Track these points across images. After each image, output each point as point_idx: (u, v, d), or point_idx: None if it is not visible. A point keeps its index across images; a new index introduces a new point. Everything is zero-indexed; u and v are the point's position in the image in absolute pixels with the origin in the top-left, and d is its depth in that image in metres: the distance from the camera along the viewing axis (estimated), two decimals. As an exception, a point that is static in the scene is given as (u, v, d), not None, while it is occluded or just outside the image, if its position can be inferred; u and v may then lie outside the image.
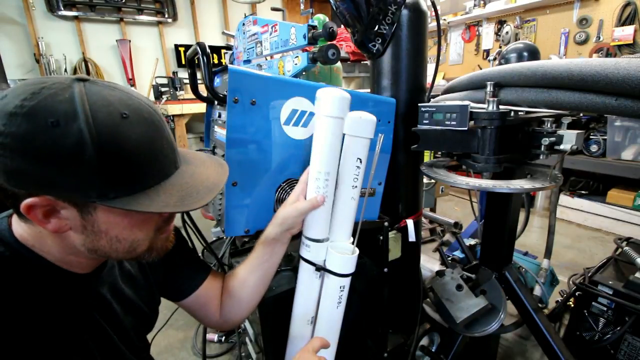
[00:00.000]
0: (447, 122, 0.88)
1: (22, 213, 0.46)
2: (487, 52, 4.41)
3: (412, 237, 1.11)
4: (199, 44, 0.77)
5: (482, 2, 4.29)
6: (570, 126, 0.89)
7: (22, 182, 0.44)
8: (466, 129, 0.85)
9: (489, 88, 0.85)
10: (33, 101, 0.42)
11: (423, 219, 1.62)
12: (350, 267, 0.77)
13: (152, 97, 4.06)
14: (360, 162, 0.77)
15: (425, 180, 1.60)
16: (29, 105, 0.42)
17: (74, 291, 0.58)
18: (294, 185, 0.82)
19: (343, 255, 0.76)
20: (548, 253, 1.61)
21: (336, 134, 0.71)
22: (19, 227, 0.54)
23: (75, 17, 4.22)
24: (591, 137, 2.93)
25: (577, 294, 1.34)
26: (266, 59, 1.26)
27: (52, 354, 0.52)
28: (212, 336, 1.79)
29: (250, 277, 0.82)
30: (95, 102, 0.45)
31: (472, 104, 0.86)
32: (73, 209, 0.48)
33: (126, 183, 0.47)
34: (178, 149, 0.58)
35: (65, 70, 4.23)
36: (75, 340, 0.57)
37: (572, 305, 1.38)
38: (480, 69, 1.09)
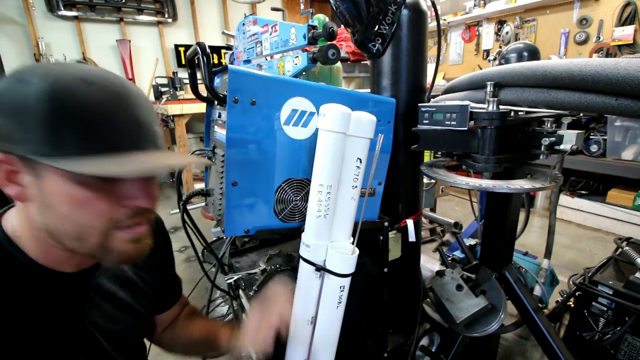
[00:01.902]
0: (447, 122, 0.88)
1: None
2: (487, 52, 4.41)
3: (412, 237, 1.11)
4: (199, 44, 0.77)
5: (482, 2, 4.29)
6: (571, 126, 0.89)
7: None
8: (466, 129, 0.85)
9: (489, 88, 0.85)
10: (24, 68, 0.47)
11: (423, 219, 1.62)
12: (350, 267, 0.77)
13: (152, 97, 4.06)
14: (360, 162, 0.77)
15: (425, 180, 1.60)
16: (14, 70, 0.47)
17: (58, 291, 0.56)
18: (294, 185, 0.82)
19: (343, 255, 0.76)
20: (548, 253, 1.61)
21: (338, 148, 0.73)
22: (12, 216, 0.54)
23: (75, 17, 4.22)
24: (591, 137, 2.93)
25: (577, 294, 1.34)
26: (266, 59, 1.26)
27: (32, 354, 0.51)
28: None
29: (191, 348, 0.86)
30: (66, 69, 0.47)
31: (472, 104, 0.85)
32: (30, 176, 0.47)
33: (73, 145, 0.45)
34: (162, 145, 0.55)
35: (65, 70, 4.22)
36: (58, 343, 0.55)
37: (572, 305, 1.38)
38: (480, 69, 1.09)
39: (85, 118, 0.45)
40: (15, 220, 0.54)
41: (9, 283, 0.51)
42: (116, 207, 0.51)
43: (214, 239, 2.61)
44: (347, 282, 0.79)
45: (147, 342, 0.86)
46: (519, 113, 0.91)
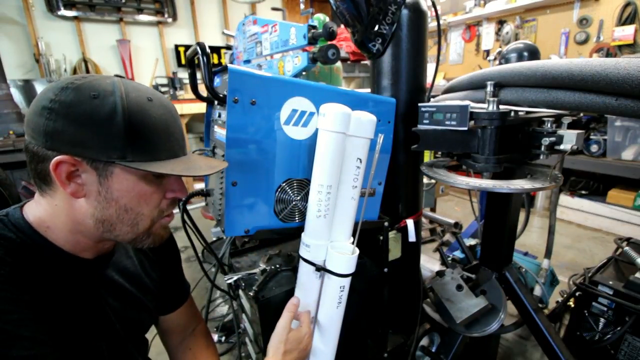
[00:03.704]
0: (447, 122, 0.88)
1: (48, 175, 0.54)
2: (487, 52, 4.41)
3: (412, 237, 1.11)
4: (198, 44, 0.76)
5: (482, 2, 4.29)
6: (571, 126, 0.89)
7: (58, 141, 0.52)
8: (466, 129, 0.85)
9: (489, 88, 0.85)
10: (81, 81, 0.54)
11: (423, 219, 1.62)
12: (350, 267, 0.77)
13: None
14: (360, 162, 0.77)
15: (425, 180, 1.60)
16: (78, 83, 0.53)
17: (80, 275, 0.62)
18: (294, 185, 0.82)
19: (343, 255, 0.76)
20: (548, 253, 1.61)
21: (338, 148, 0.73)
22: (36, 210, 0.59)
23: (75, 17, 4.21)
24: (591, 137, 2.93)
25: (577, 294, 1.34)
26: (266, 59, 1.26)
27: (57, 334, 0.55)
28: (212, 336, 1.79)
29: None
30: (128, 87, 0.56)
31: (472, 104, 0.85)
32: (93, 173, 0.55)
33: (143, 150, 0.56)
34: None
35: (65, 70, 4.22)
36: (83, 323, 0.60)
37: (572, 306, 1.38)
38: (481, 68, 1.09)
39: (152, 131, 0.57)
40: (42, 214, 0.59)
41: (31, 266, 0.56)
42: (163, 199, 0.63)
43: (214, 239, 2.61)
44: (347, 282, 0.79)
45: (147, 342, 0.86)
46: (519, 113, 0.91)
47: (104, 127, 0.52)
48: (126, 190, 0.57)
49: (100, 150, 0.53)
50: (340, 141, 0.73)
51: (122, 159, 0.54)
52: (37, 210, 0.59)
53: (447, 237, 1.87)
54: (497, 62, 1.25)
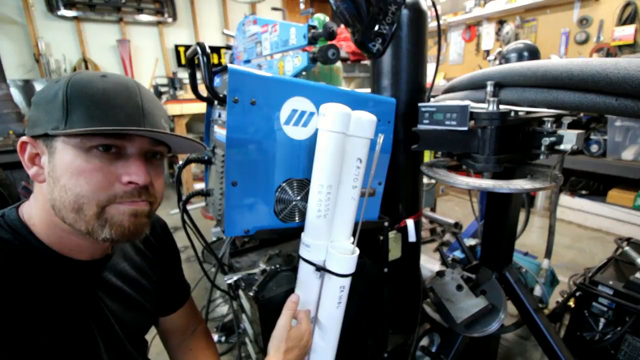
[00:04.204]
0: (447, 122, 0.88)
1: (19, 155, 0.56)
2: (487, 52, 4.41)
3: (412, 237, 1.11)
4: (198, 44, 0.76)
5: (482, 2, 4.29)
6: (571, 126, 0.89)
7: (28, 127, 0.56)
8: (466, 129, 0.85)
9: (489, 88, 0.85)
10: (64, 74, 0.56)
11: (423, 219, 1.62)
12: (350, 267, 0.77)
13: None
14: (360, 162, 0.77)
15: (425, 180, 1.60)
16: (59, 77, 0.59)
17: (76, 277, 0.61)
18: (294, 185, 0.82)
19: (343, 255, 0.76)
20: (548, 253, 1.61)
21: (338, 148, 0.73)
22: (28, 208, 0.59)
23: (75, 17, 4.22)
24: (591, 137, 2.93)
25: (577, 294, 1.34)
26: (266, 59, 1.26)
27: (52, 338, 0.54)
28: (212, 336, 1.79)
29: None
30: (90, 71, 0.59)
31: (473, 104, 0.85)
32: (46, 155, 0.55)
33: (77, 120, 0.53)
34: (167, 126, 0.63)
35: (65, 70, 4.22)
36: (79, 326, 0.59)
37: (573, 306, 1.38)
38: (481, 68, 1.09)
39: (94, 100, 0.54)
40: (32, 210, 0.58)
41: (27, 269, 0.54)
42: (115, 183, 0.56)
43: (214, 239, 2.62)
44: (347, 282, 0.79)
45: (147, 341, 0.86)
46: (519, 113, 0.91)
47: (49, 104, 0.54)
48: (66, 166, 0.53)
49: (45, 125, 0.53)
50: (340, 141, 0.73)
51: (56, 128, 0.52)
52: (29, 207, 0.59)
53: (447, 237, 1.87)
54: (497, 62, 1.25)
